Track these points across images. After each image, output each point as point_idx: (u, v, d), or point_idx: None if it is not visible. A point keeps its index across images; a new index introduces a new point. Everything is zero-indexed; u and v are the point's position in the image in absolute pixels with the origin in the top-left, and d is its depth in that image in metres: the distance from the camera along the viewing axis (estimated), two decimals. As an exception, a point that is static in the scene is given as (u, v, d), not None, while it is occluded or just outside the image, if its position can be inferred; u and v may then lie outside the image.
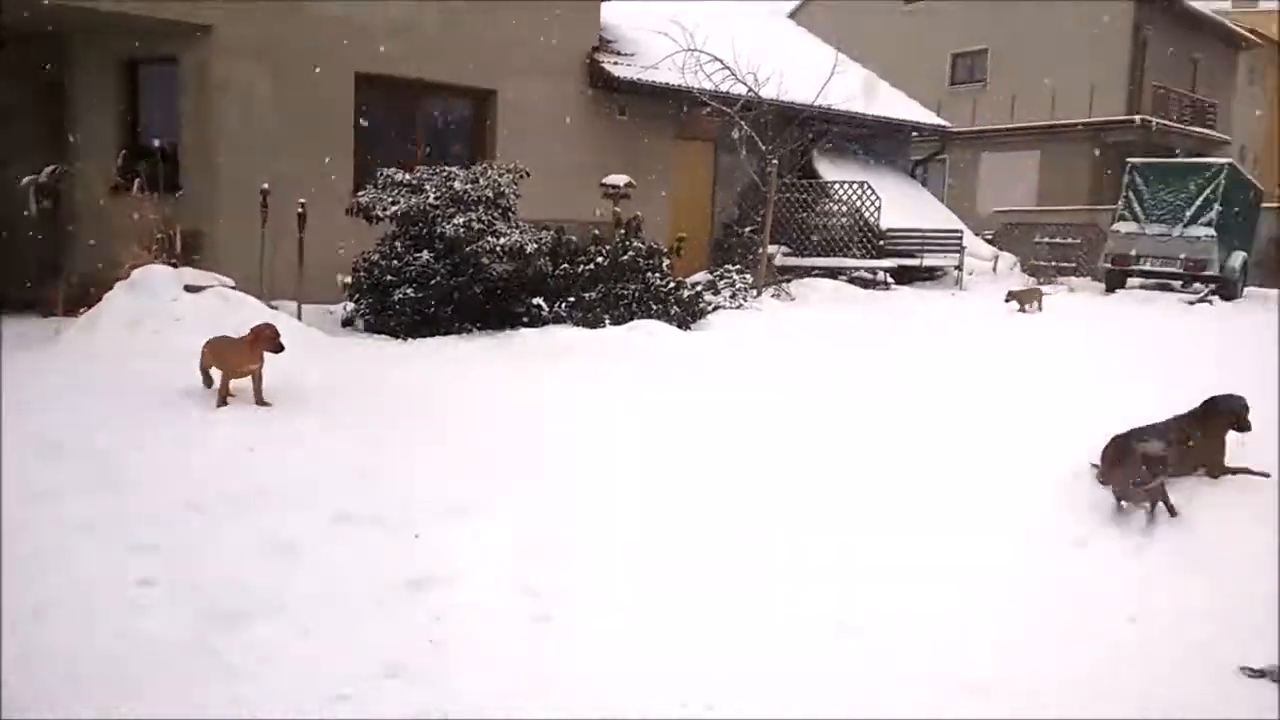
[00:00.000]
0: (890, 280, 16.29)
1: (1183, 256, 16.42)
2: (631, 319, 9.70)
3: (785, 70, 14.02)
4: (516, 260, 9.41)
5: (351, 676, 2.82)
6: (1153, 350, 9.89)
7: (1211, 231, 16.25)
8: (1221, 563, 3.95)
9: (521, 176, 9.95)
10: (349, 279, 9.57)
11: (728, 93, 13.77)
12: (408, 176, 9.54)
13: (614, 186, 11.42)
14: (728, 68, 13.62)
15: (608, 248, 10.30)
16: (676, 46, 13.38)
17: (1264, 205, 19.55)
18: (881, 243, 16.48)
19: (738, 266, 13.61)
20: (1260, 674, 3.02)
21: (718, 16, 15.44)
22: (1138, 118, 26.15)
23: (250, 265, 9.14)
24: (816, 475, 5.00)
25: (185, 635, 3.02)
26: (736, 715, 2.74)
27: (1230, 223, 16.67)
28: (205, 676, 2.79)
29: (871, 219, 16.44)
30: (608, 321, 9.62)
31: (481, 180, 9.56)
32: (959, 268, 17.35)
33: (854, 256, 16.28)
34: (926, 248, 17.14)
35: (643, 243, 10.54)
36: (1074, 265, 20.41)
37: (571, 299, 9.88)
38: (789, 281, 14.23)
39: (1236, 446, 4.89)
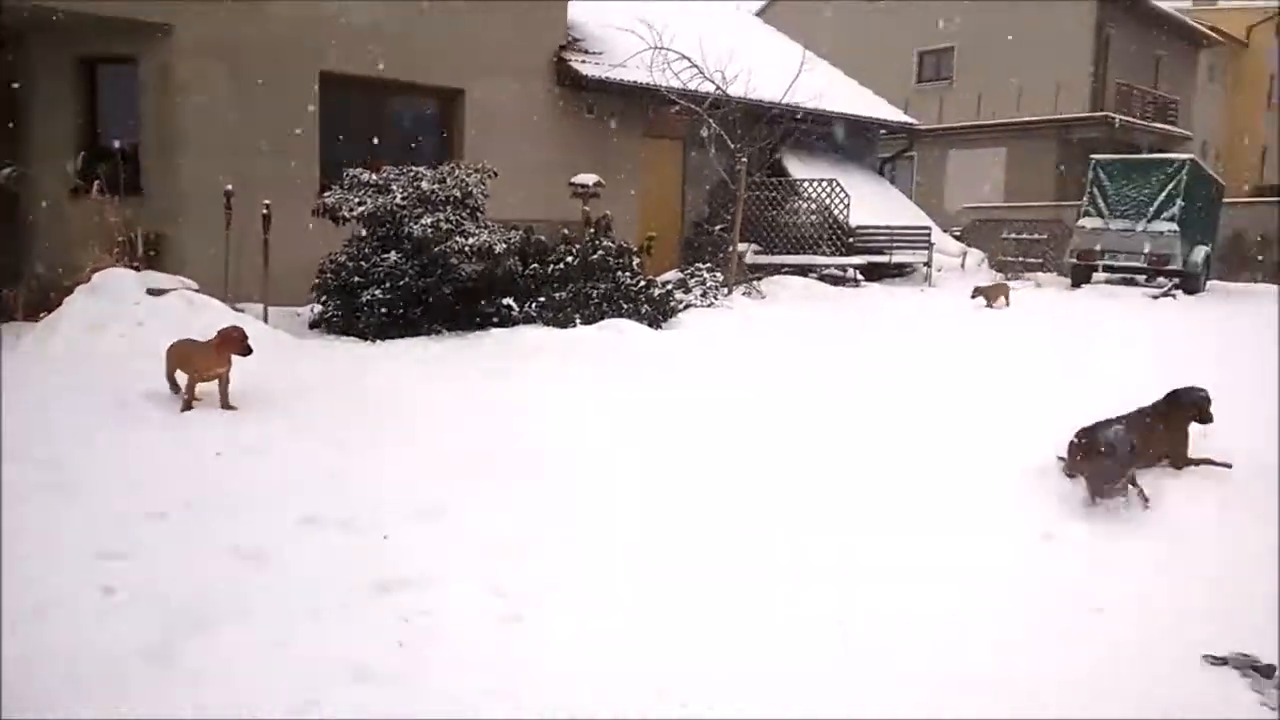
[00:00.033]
0: (860, 277, 16.37)
1: (1146, 251, 16.62)
2: (602, 318, 9.68)
3: (753, 68, 14.04)
4: (485, 260, 9.37)
5: (319, 681, 2.79)
6: (1117, 344, 10.01)
7: (1174, 226, 16.46)
8: (1185, 553, 4.00)
9: (489, 176, 9.90)
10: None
11: (696, 91, 13.78)
12: (374, 177, 9.46)
13: (583, 185, 11.39)
14: (695, 65, 13.63)
15: (577, 247, 10.27)
16: (644, 45, 13.37)
17: (1225, 200, 19.85)
18: (851, 240, 16.57)
19: (708, 265, 13.61)
20: (1223, 661, 3.05)
21: (685, 14, 15.45)
22: (1102, 114, 26.48)
23: (214, 268, 9.03)
24: (786, 473, 5.02)
25: (148, 643, 2.96)
26: (709, 714, 2.73)
27: (1192, 218, 16.89)
28: (168, 684, 2.75)
29: (841, 216, 16.52)
30: (578, 321, 9.60)
31: (449, 180, 9.50)
32: (928, 264, 17.46)
33: (824, 254, 16.35)
34: (895, 244, 17.24)
35: (612, 242, 10.52)
36: (1041, 261, 20.62)
37: (541, 299, 9.85)
38: (760, 279, 14.26)
39: (1199, 438, 4.96)
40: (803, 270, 15.78)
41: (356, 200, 9.24)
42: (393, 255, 9.18)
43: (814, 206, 16.63)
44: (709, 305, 12.02)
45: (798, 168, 17.30)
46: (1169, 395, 4.97)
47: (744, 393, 7.04)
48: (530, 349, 8.54)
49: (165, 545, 3.77)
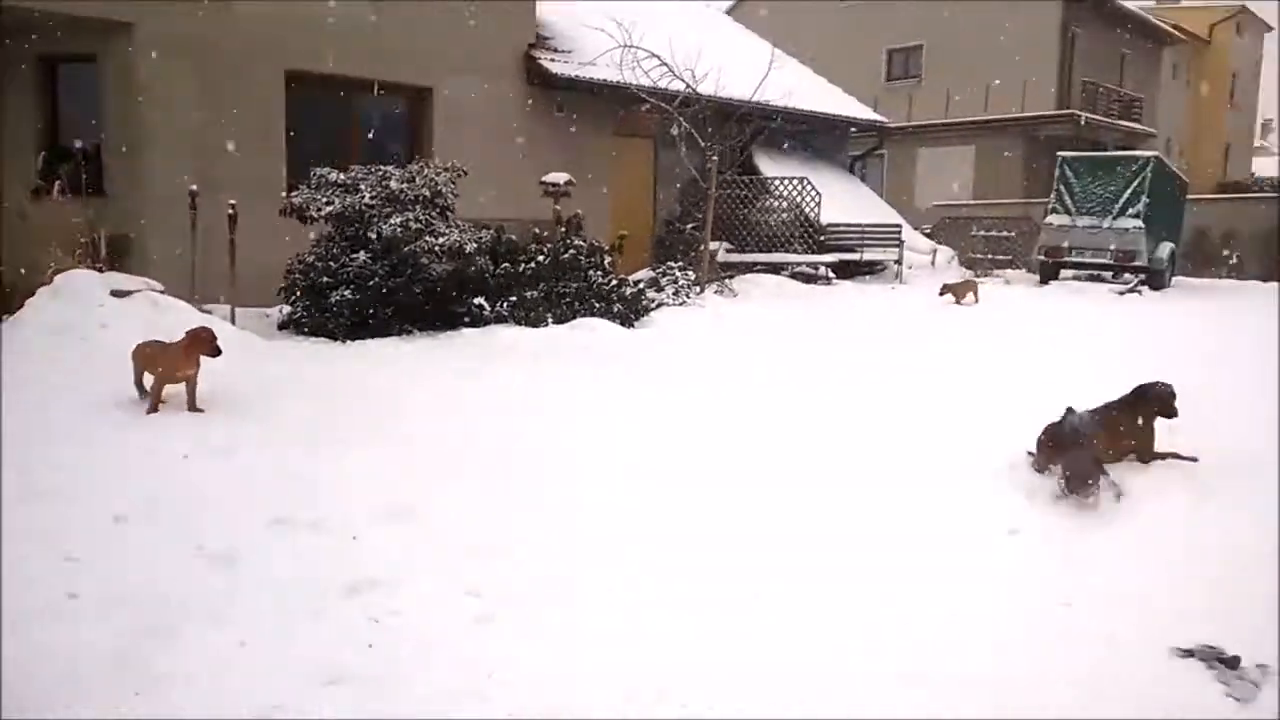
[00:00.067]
0: (831, 275, 16.45)
1: (1112, 248, 16.81)
2: (574, 317, 9.66)
3: (723, 66, 14.06)
4: (456, 260, 9.31)
5: (288, 685, 2.76)
6: (1085, 340, 10.12)
7: (1139, 223, 16.65)
8: (1153, 547, 4.04)
9: (459, 175, 9.85)
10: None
11: (666, 89, 13.77)
12: (342, 176, 9.38)
13: (554, 184, 11.35)
14: (665, 64, 13.61)
15: (549, 246, 10.24)
16: (613, 43, 13.34)
17: (1189, 197, 20.13)
18: (822, 238, 16.63)
19: (680, 263, 13.63)
20: (1189, 654, 3.09)
21: (655, 13, 15.43)
22: (1069, 112, 26.78)
23: (180, 269, 8.91)
24: (755, 471, 5.02)
25: (113, 648, 2.92)
26: (682, 713, 2.73)
27: (1157, 214, 17.10)
28: (134, 690, 2.71)
29: (812, 214, 16.58)
30: (550, 320, 9.58)
31: (418, 179, 9.45)
32: (898, 262, 17.56)
33: (795, 252, 16.41)
34: (866, 242, 17.33)
35: (584, 240, 10.50)
36: (1010, 258, 20.80)
37: (513, 298, 9.81)
38: (732, 278, 14.28)
39: (1165, 432, 5.02)
40: (775, 268, 15.83)
41: (324, 200, 9.16)
42: (362, 255, 9.11)
43: (785, 205, 16.68)
44: (681, 304, 12.03)
45: (769, 166, 17.35)
46: (1135, 390, 5.03)
47: (715, 391, 7.04)
48: (502, 348, 8.51)
49: (131, 548, 3.72)
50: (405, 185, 9.30)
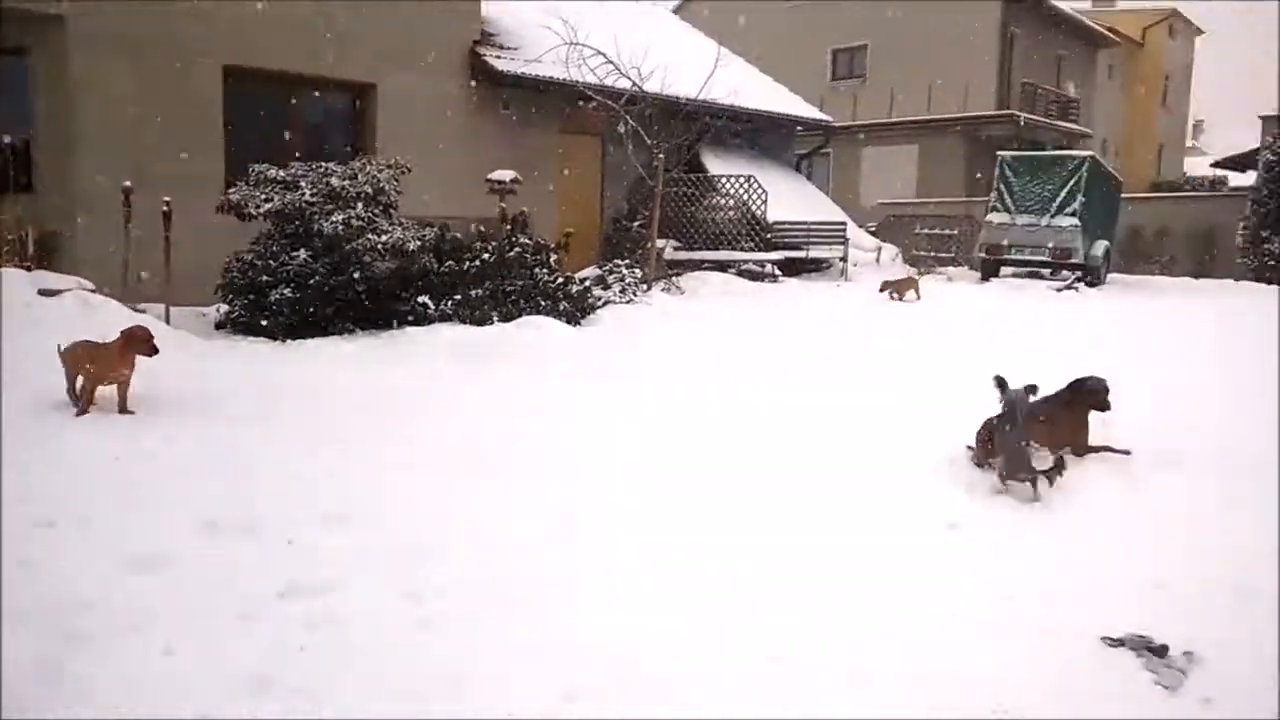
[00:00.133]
0: (778, 273, 16.54)
1: (1050, 245, 17.14)
2: (520, 315, 9.60)
3: (669, 64, 14.07)
4: (400, 258, 9.20)
5: (214, 694, 2.69)
6: (1023, 335, 10.29)
7: (1076, 221, 17.00)
8: (1086, 538, 4.12)
9: (403, 172, 9.73)
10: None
11: (613, 87, 13.75)
12: (282, 173, 9.22)
13: (499, 182, 11.27)
14: (611, 61, 13.59)
15: (494, 244, 10.16)
16: (559, 40, 13.29)
17: (1123, 196, 20.61)
18: (769, 235, 16.74)
19: (627, 261, 13.61)
20: (1119, 643, 3.15)
21: (601, 11, 15.41)
22: (1008, 113, 27.28)
23: (113, 267, 8.69)
24: (696, 468, 5.02)
25: (34, 656, 2.82)
26: (618, 714, 2.72)
27: (1093, 213, 17.48)
28: (54, 700, 2.62)
29: (758, 212, 16.68)
30: (496, 318, 9.50)
31: (360, 176, 9.31)
32: (844, 259, 17.74)
33: (743, 249, 16.49)
34: (812, 240, 17.48)
35: (530, 238, 10.43)
36: (952, 255, 21.13)
37: (458, 296, 9.71)
38: (679, 275, 14.31)
39: (1100, 425, 5.13)
40: (722, 266, 15.89)
41: (263, 197, 8.99)
42: (302, 253, 8.95)
43: (732, 203, 16.75)
44: (628, 301, 12.02)
45: (715, 164, 17.41)
46: (1071, 385, 5.13)
47: (659, 389, 7.04)
48: (445, 347, 8.42)
49: (56, 555, 3.60)
50: (347, 182, 9.16)
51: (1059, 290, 16.12)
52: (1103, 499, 4.58)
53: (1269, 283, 17.53)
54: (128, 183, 8.82)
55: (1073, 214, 17.04)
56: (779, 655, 3.05)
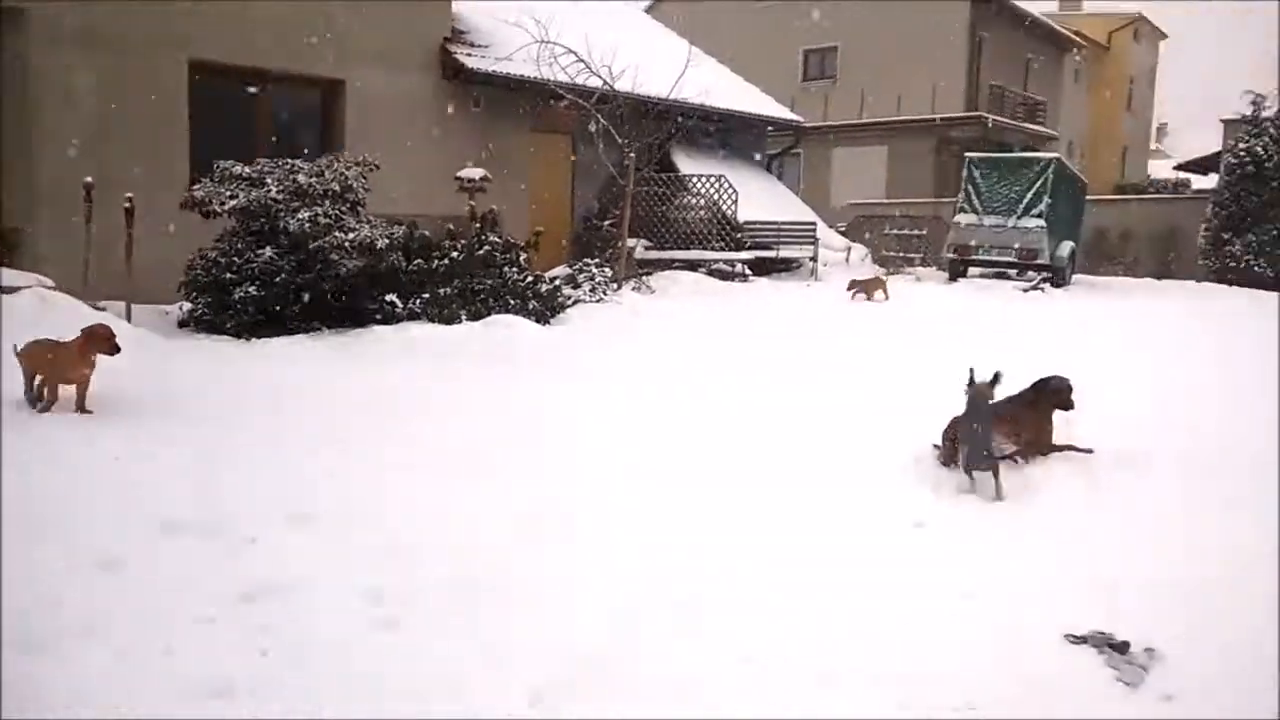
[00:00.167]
0: (748, 272, 16.60)
1: (1017, 246, 17.31)
2: (489, 314, 9.56)
3: (641, 64, 14.07)
4: (367, 256, 9.12)
5: (172, 698, 2.63)
6: (990, 335, 10.38)
7: (1042, 223, 17.18)
8: (1052, 536, 4.15)
9: (371, 169, 9.65)
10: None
11: (584, 85, 13.72)
12: (247, 169, 9.11)
13: (469, 180, 11.21)
14: (582, 60, 13.57)
15: (463, 242, 10.10)
16: (530, 38, 13.24)
17: (1088, 198, 20.87)
18: (739, 235, 16.77)
19: (598, 260, 13.59)
20: (1082, 640, 3.17)
21: (572, 10, 15.35)
22: (976, 114, 27.54)
23: (73, 264, 8.55)
24: (663, 468, 5.01)
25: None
26: (582, 714, 2.70)
27: (1059, 214, 17.68)
28: (4, 707, 2.55)
29: (729, 212, 16.71)
30: (464, 317, 9.45)
31: (328, 173, 9.23)
32: (814, 259, 17.82)
33: (713, 249, 16.52)
34: (782, 240, 17.54)
35: (499, 237, 10.39)
36: (920, 255, 21.28)
37: (426, 295, 9.65)
38: (650, 274, 14.31)
39: (1063, 424, 5.17)
40: (692, 265, 15.91)
41: (228, 194, 8.87)
42: (268, 251, 8.85)
43: (703, 202, 16.78)
44: (598, 300, 12.00)
45: (686, 164, 17.43)
46: (1035, 384, 5.17)
47: (628, 389, 7.03)
48: (413, 346, 8.37)
49: (8, 558, 3.51)
50: (314, 179, 9.07)
51: (1025, 291, 16.29)
52: (1066, 498, 4.62)
53: (1230, 284, 17.84)
54: (89, 179, 8.68)
55: (1039, 215, 17.23)
56: (748, 656, 3.04)
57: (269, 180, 8.98)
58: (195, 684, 2.70)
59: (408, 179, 11.75)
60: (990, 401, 4.75)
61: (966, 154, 19.01)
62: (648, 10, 26.91)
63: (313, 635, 3.06)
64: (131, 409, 5.71)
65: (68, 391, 5.61)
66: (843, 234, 22.13)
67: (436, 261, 9.83)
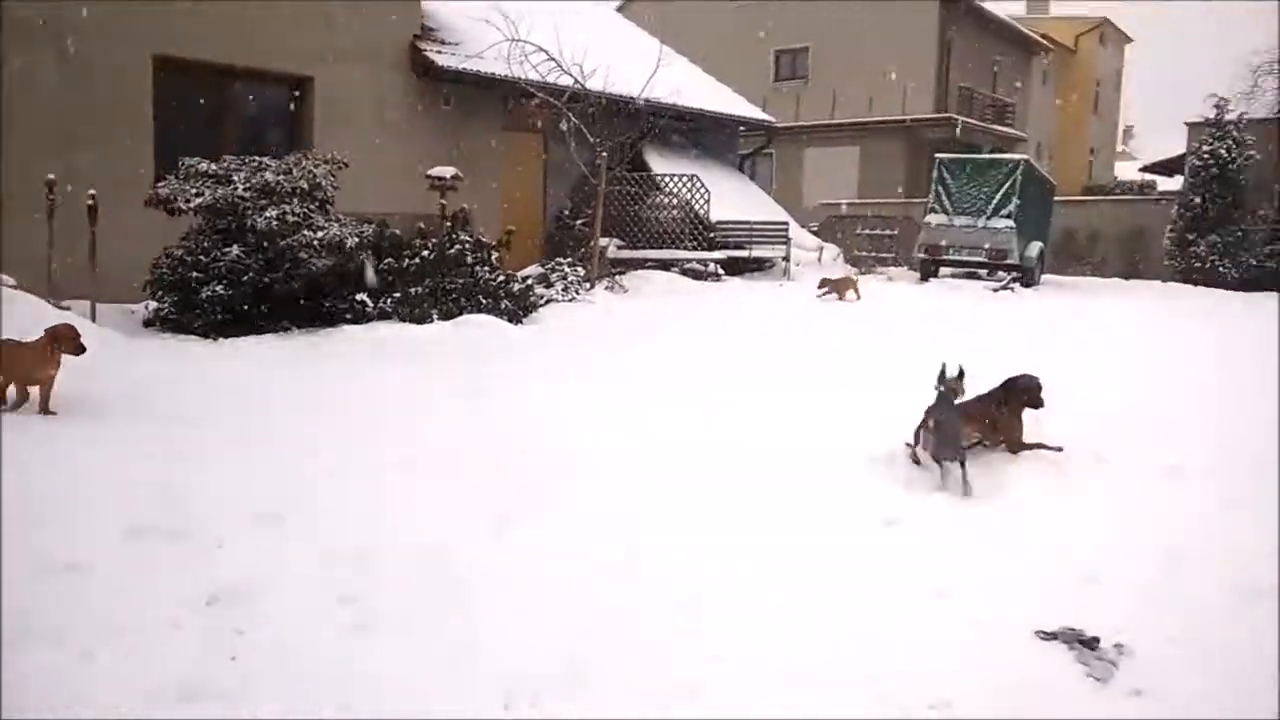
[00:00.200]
0: (721, 272, 16.61)
1: (987, 246, 17.49)
2: (461, 313, 9.50)
3: (612, 63, 14.04)
4: (337, 255, 9.04)
5: (139, 702, 2.58)
6: (960, 334, 10.46)
7: (1011, 223, 17.37)
8: (1020, 534, 4.18)
9: (340, 167, 9.56)
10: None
11: (555, 84, 13.67)
12: (214, 167, 8.99)
13: (440, 178, 11.13)
14: (553, 58, 13.52)
15: (434, 241, 10.03)
16: (501, 36, 13.18)
17: (1056, 199, 21.11)
18: (712, 235, 16.80)
19: (570, 259, 13.55)
20: (1053, 636, 3.19)
21: (543, 9, 15.30)
22: (946, 116, 27.76)
23: (35, 263, 8.40)
24: (634, 469, 4.99)
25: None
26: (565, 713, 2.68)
27: (1028, 215, 17.88)
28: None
29: (702, 211, 16.73)
30: (435, 316, 9.39)
31: (296, 171, 9.13)
32: (786, 259, 17.88)
33: (686, 249, 16.53)
34: (755, 239, 17.59)
35: (471, 235, 10.33)
36: (892, 255, 21.43)
37: (397, 294, 9.57)
38: (622, 274, 14.29)
39: (1033, 422, 5.21)
40: (665, 265, 15.91)
41: (194, 191, 8.76)
42: (235, 249, 8.74)
43: (676, 202, 16.79)
44: (571, 300, 11.97)
45: (659, 163, 17.43)
46: (1005, 382, 5.20)
47: (599, 388, 7.01)
48: (382, 346, 8.30)
49: (-33, 564, 3.44)
50: (282, 177, 8.97)
51: (995, 290, 16.45)
52: (1036, 495, 4.65)
53: (1195, 284, 18.12)
54: (51, 175, 8.54)
55: (1008, 216, 17.40)
56: (718, 655, 3.03)
57: (236, 178, 8.87)
58: (163, 687, 2.66)
59: (377, 177, 11.66)
60: (959, 396, 4.80)
61: (936, 155, 19.16)
62: (619, 9, 26.89)
63: (282, 638, 3.02)
64: (97, 409, 5.62)
65: (31, 392, 5.51)
66: (815, 234, 22.21)
67: (407, 260, 9.76)
